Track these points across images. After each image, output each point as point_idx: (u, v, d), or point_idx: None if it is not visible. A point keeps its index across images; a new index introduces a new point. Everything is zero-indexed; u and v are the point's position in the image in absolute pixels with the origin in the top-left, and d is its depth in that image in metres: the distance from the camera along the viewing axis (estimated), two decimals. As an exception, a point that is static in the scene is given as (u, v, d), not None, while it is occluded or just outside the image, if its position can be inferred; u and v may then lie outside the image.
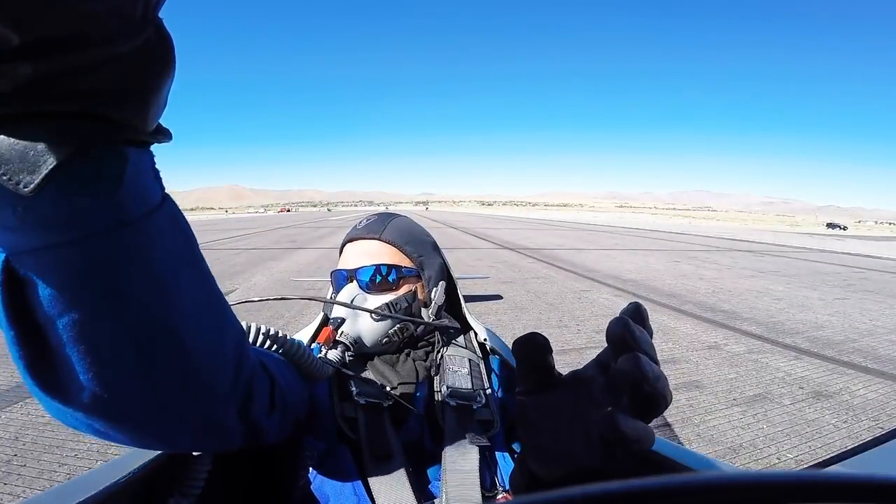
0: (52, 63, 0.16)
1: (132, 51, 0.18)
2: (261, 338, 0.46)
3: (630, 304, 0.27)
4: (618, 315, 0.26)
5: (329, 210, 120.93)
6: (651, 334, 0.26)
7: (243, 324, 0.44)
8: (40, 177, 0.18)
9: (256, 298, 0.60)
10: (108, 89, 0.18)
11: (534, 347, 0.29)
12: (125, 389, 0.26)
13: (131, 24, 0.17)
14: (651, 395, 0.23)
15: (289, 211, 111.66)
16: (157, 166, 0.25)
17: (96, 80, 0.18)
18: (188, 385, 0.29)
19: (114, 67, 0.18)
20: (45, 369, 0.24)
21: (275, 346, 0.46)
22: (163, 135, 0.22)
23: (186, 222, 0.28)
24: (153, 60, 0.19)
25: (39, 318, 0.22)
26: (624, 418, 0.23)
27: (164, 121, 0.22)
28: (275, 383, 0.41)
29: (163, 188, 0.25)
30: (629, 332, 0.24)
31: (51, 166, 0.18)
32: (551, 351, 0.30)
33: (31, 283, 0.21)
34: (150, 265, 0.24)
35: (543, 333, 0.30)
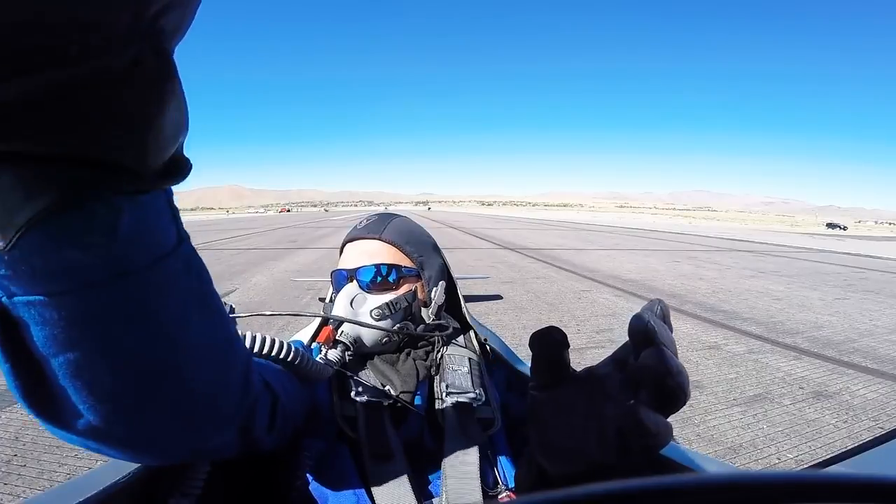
0: (11, 88, 0.13)
1: (118, 71, 0.14)
2: (262, 349, 0.45)
3: (652, 300, 0.27)
4: (639, 311, 0.26)
5: (326, 210, 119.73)
6: (671, 330, 0.26)
7: (248, 335, 0.43)
8: (12, 232, 0.16)
9: (268, 312, 0.61)
10: (85, 122, 0.15)
11: (551, 342, 0.29)
12: (122, 421, 0.25)
13: (113, 39, 0.14)
14: (673, 390, 0.23)
15: (289, 211, 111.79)
16: (174, 205, 0.23)
17: (69, 112, 0.14)
18: (188, 417, 0.28)
19: (91, 95, 0.14)
20: (40, 399, 0.23)
21: (274, 356, 0.46)
22: (174, 174, 0.19)
23: (201, 262, 0.26)
24: (144, 85, 0.15)
25: (35, 355, 0.21)
26: (646, 411, 0.23)
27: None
28: (277, 401, 0.41)
29: (179, 228, 0.24)
30: (652, 327, 0.24)
31: (23, 220, 0.16)
32: (568, 346, 0.29)
33: (24, 324, 0.20)
34: (155, 313, 0.23)
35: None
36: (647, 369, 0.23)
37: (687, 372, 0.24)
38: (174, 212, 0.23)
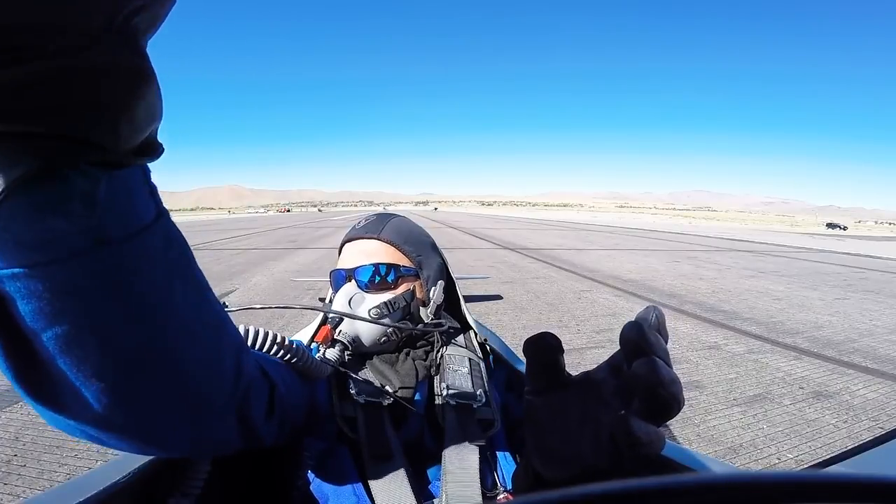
0: None
1: (92, 65, 0.16)
2: (259, 342, 0.46)
3: (647, 307, 0.27)
4: (632, 320, 0.26)
5: (320, 210, 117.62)
6: (666, 339, 0.26)
7: (241, 327, 0.43)
8: None
9: (259, 306, 0.60)
10: (62, 108, 0.16)
11: (545, 347, 0.29)
12: (115, 401, 0.25)
13: (88, 36, 0.16)
14: (665, 400, 0.23)
15: (288, 211, 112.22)
16: (152, 181, 0.24)
17: (49, 96, 0.16)
18: (182, 398, 0.28)
19: (68, 85, 0.16)
20: (33, 379, 0.23)
21: (272, 350, 0.46)
22: (148, 154, 0.21)
23: (182, 239, 0.27)
24: (120, 75, 0.17)
25: (24, 332, 0.22)
26: (637, 421, 0.23)
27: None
28: (274, 389, 0.41)
29: (158, 204, 0.25)
30: (644, 337, 0.24)
31: (2, 187, 0.17)
32: (562, 351, 0.29)
33: (11, 299, 0.21)
34: (137, 285, 0.23)
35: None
36: (639, 379, 0.23)
37: (680, 381, 0.23)
38: (152, 188, 0.24)
